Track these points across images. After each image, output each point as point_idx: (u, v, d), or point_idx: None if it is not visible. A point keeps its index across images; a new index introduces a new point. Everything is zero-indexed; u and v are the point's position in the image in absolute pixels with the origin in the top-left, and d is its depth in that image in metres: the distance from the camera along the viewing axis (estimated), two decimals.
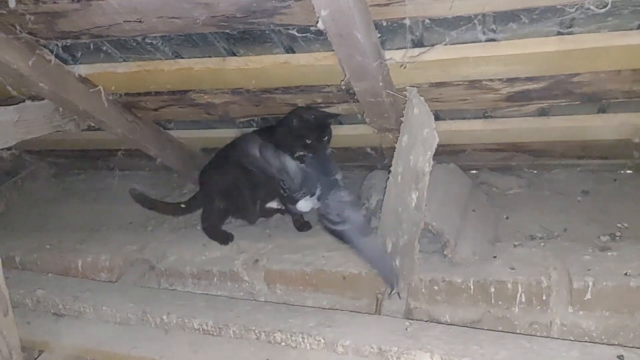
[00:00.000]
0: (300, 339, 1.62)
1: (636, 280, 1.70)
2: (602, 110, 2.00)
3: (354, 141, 2.40)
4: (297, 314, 1.73)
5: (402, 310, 1.79)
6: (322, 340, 1.60)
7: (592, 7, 1.44)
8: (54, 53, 1.89)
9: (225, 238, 2.26)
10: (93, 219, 2.66)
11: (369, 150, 2.44)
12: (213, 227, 2.32)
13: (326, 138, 2.11)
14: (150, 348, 1.75)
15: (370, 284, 1.94)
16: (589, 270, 1.77)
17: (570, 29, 1.56)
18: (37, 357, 1.89)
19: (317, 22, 1.44)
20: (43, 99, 2.10)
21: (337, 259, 2.03)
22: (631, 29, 1.54)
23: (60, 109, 2.16)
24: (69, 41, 1.83)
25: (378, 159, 2.48)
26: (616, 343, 1.71)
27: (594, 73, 1.73)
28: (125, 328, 1.86)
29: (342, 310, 1.86)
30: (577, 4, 1.44)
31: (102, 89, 2.09)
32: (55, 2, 1.60)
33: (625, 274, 1.73)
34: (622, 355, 1.43)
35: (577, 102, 1.91)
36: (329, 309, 1.88)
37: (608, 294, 1.71)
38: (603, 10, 1.45)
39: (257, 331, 1.67)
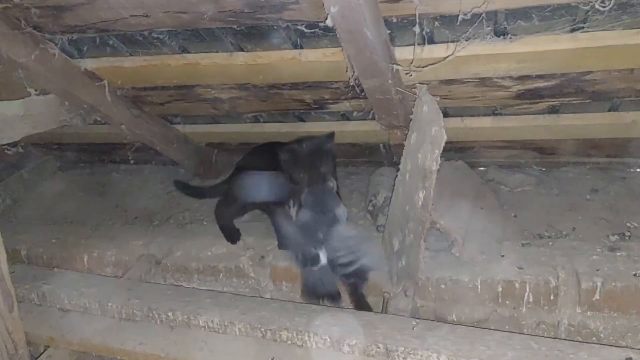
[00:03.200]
0: (307, 338, 1.61)
1: None
2: (613, 109, 1.97)
3: (362, 137, 2.38)
4: (303, 312, 1.72)
5: (409, 309, 1.78)
6: (328, 339, 1.59)
7: (605, 5, 1.42)
8: (60, 47, 1.89)
9: (232, 236, 2.24)
10: (99, 213, 2.66)
11: (376, 146, 2.43)
12: (226, 220, 2.30)
13: (322, 168, 1.95)
14: (155, 344, 1.75)
15: (377, 283, 1.93)
16: (597, 270, 1.76)
17: (583, 27, 1.54)
18: (43, 352, 1.89)
19: (327, 19, 1.41)
20: (49, 93, 2.09)
21: None
22: None
23: (66, 103, 2.15)
24: (75, 35, 1.83)
25: (386, 156, 2.46)
26: (624, 344, 1.70)
27: (607, 71, 1.70)
28: (131, 324, 1.85)
29: (349, 308, 1.85)
30: (590, 2, 1.42)
31: (107, 84, 2.09)
32: None
33: (635, 275, 1.72)
34: (631, 358, 1.41)
35: (588, 100, 1.88)
36: (335, 307, 1.87)
37: (617, 294, 1.70)
38: (616, 8, 1.43)
39: (263, 329, 1.66)
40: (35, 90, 2.03)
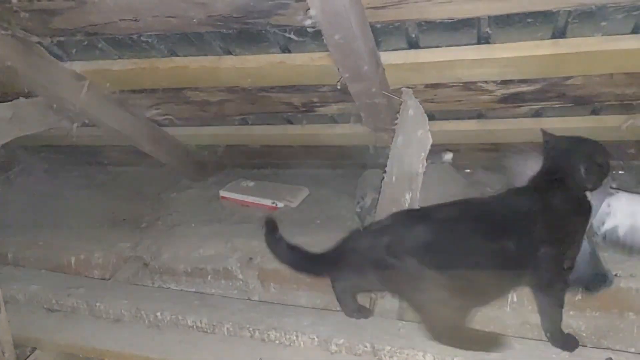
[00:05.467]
0: (294, 337, 1.63)
1: (626, 281, 1.72)
2: (594, 113, 2.02)
3: (350, 139, 2.40)
4: (291, 313, 1.74)
5: (396, 309, 1.81)
6: (316, 339, 1.61)
7: (585, 12, 1.46)
8: (49, 50, 1.89)
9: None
10: (86, 215, 2.65)
11: (364, 149, 2.45)
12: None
13: None
14: (143, 345, 1.75)
15: None
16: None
17: (564, 33, 1.58)
18: (30, 354, 1.88)
19: (306, 20, 1.44)
20: (37, 95, 2.09)
21: None
22: (624, 34, 1.56)
23: (55, 105, 2.15)
24: (64, 38, 1.83)
25: (373, 158, 2.49)
26: (605, 344, 1.73)
27: (587, 76, 1.74)
28: (119, 325, 1.85)
29: (336, 309, 1.87)
30: (571, 8, 1.46)
31: (97, 86, 2.09)
32: (50, 0, 1.60)
33: (616, 275, 1.75)
34: (611, 358, 1.45)
35: (570, 104, 1.92)
36: (322, 308, 1.89)
37: (598, 295, 1.73)
38: (596, 14, 1.48)
39: (251, 329, 1.68)
40: (24, 93, 2.03)
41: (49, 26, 1.73)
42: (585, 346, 1.54)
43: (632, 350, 1.65)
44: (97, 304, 1.88)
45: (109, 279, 2.17)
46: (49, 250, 2.39)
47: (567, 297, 1.73)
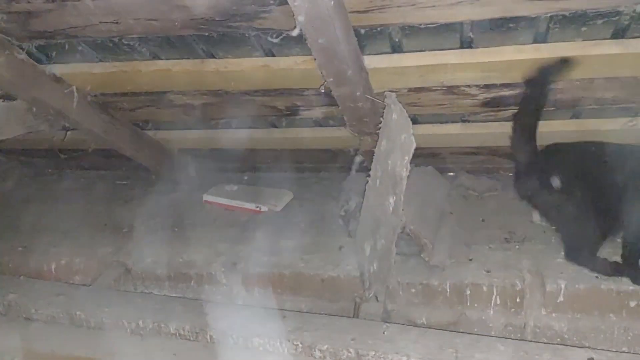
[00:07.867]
0: (278, 344, 1.62)
1: (606, 283, 1.74)
2: (575, 116, 2.04)
3: (334, 143, 2.40)
4: (275, 318, 1.73)
5: (380, 313, 1.81)
6: (300, 345, 1.60)
7: (566, 17, 1.48)
8: (28, 52, 1.86)
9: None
10: (67, 220, 2.61)
11: (348, 152, 2.45)
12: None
13: None
14: (125, 354, 1.73)
15: (348, 287, 1.95)
16: (561, 273, 1.81)
17: (545, 38, 1.60)
18: None
19: (294, 29, 1.44)
20: (15, 98, 2.05)
21: (315, 262, 2.03)
22: (604, 39, 1.58)
23: (34, 108, 2.12)
24: (43, 41, 1.80)
25: (357, 162, 2.49)
26: (587, 345, 1.75)
27: (568, 81, 1.76)
28: (100, 333, 1.82)
29: (321, 313, 1.86)
30: (552, 14, 1.47)
31: (76, 89, 2.06)
32: (28, 2, 1.57)
33: (596, 277, 1.77)
34: (593, 358, 1.46)
35: (551, 108, 1.94)
36: (307, 312, 1.89)
37: (579, 296, 1.76)
38: (577, 20, 1.50)
39: (234, 336, 1.66)
40: (2, 95, 1.99)
41: (28, 28, 1.70)
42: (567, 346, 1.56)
43: (613, 349, 1.67)
44: (78, 313, 1.85)
45: (90, 285, 2.14)
46: (29, 256, 2.35)
47: (550, 300, 1.77)
